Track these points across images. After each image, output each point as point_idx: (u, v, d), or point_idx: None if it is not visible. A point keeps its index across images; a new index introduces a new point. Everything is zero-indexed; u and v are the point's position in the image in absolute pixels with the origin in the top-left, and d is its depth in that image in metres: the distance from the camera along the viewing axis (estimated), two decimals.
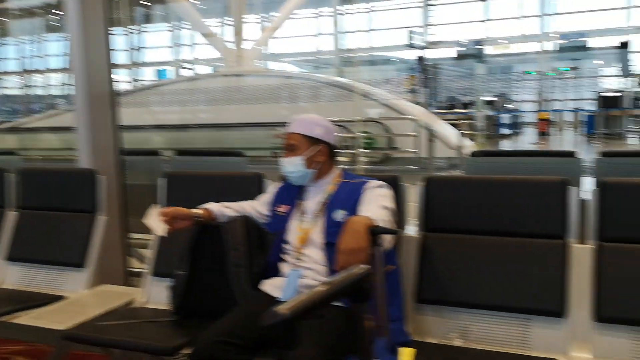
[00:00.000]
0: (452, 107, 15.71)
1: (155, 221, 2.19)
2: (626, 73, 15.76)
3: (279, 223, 2.23)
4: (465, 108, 14.86)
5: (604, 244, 2.10)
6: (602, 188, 2.15)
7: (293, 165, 2.18)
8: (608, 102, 14.66)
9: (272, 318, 0.94)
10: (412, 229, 2.37)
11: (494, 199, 2.26)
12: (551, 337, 2.08)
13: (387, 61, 19.24)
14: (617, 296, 2.03)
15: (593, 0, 17.71)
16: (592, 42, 17.16)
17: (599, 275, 2.06)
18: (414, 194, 2.37)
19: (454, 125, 10.42)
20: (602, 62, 18.29)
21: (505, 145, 14.76)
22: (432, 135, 8.07)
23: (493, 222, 2.24)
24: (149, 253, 2.74)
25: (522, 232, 2.21)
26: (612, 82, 17.53)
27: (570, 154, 3.21)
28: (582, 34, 17.11)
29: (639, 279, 2.02)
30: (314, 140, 2.18)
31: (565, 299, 2.08)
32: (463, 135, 9.56)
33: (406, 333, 2.09)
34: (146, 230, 2.29)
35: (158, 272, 2.66)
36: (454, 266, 2.23)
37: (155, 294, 2.63)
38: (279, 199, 2.29)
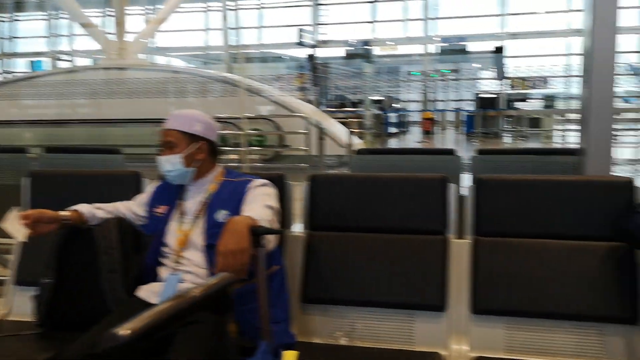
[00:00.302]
0: (342, 105, 16.00)
1: (14, 225, 1.98)
2: (501, 76, 16.85)
3: (156, 224, 2.10)
4: (354, 107, 15.19)
5: (479, 239, 2.17)
6: (478, 184, 2.23)
7: (171, 164, 2.06)
8: (485, 103, 15.61)
9: (111, 341, 0.81)
10: (299, 228, 2.33)
11: (377, 196, 2.27)
12: (433, 331, 2.12)
13: (278, 59, 19.24)
14: (492, 288, 2.10)
15: (472, 6, 18.79)
16: (471, 46, 18.19)
17: (475, 269, 2.13)
18: (301, 192, 2.33)
19: (343, 123, 10.59)
20: (480, 65, 19.43)
21: (393, 143, 15.26)
22: (322, 133, 8.12)
23: (377, 219, 2.25)
24: (11, 259, 2.49)
25: (404, 229, 2.23)
26: (489, 85, 18.68)
27: (450, 152, 3.32)
28: (461, 38, 18.08)
29: (512, 271, 2.10)
30: (193, 137, 2.07)
31: (445, 293, 2.13)
32: (352, 133, 9.73)
33: (291, 334, 2.04)
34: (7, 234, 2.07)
35: (21, 281, 2.42)
36: (339, 264, 2.22)
37: (18, 305, 2.40)
38: (156, 199, 2.16)
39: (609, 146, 2.53)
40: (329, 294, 2.19)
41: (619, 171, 8.54)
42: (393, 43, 19.06)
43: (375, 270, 2.18)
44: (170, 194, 2.13)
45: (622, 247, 2.01)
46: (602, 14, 2.44)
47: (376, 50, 18.68)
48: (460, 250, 2.17)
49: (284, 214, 2.16)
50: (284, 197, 2.20)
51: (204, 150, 2.08)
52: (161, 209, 2.12)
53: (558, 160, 3.07)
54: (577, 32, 15.59)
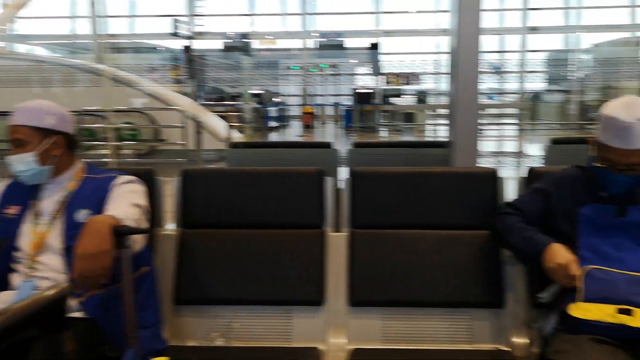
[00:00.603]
0: (221, 99, 15.72)
1: None
2: (376, 72, 17.41)
3: (7, 227, 1.88)
4: (233, 100, 14.98)
5: (356, 231, 2.18)
6: (353, 177, 2.23)
7: (24, 164, 1.85)
8: (362, 98, 16.05)
9: None
10: (172, 226, 2.21)
11: (252, 191, 2.21)
12: (311, 326, 2.10)
13: (152, 50, 18.50)
14: (368, 280, 2.12)
15: (348, 3, 19.24)
16: (348, 42, 18.62)
17: (352, 262, 2.13)
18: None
19: (222, 117, 10.39)
20: (357, 61, 19.97)
21: (274, 137, 15.26)
22: (199, 127, 7.90)
23: (253, 214, 2.19)
24: None
25: (281, 224, 2.19)
26: (366, 80, 19.24)
27: (327, 145, 3.33)
28: (339, 34, 18.44)
29: (387, 262, 2.13)
30: (46, 132, 1.87)
31: (323, 287, 2.11)
32: (232, 127, 9.58)
33: (162, 339, 1.93)
34: None
35: None
36: (214, 263, 2.13)
37: None
38: (6, 199, 1.94)
39: (475, 139, 2.66)
40: (203, 294, 2.10)
41: (485, 163, 9.15)
42: (272, 37, 19.03)
43: (251, 267, 2.12)
44: (22, 193, 1.92)
45: (489, 235, 2.10)
46: (466, 16, 2.55)
47: (255, 44, 18.56)
48: (337, 244, 2.17)
49: (154, 212, 2.03)
50: (153, 194, 2.07)
51: (60, 145, 1.89)
52: (12, 210, 1.90)
53: (430, 152, 3.18)
54: (444, 32, 16.47)
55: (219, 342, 2.04)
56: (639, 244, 1.76)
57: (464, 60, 2.56)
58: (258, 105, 15.00)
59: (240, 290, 2.11)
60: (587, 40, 18.63)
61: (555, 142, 3.46)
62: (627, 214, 1.80)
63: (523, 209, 1.95)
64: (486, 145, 13.33)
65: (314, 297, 2.10)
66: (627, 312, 1.63)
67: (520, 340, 2.01)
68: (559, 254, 1.75)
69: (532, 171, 2.15)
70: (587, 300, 1.67)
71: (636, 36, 18.29)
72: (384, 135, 15.62)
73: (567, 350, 1.65)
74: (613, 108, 1.77)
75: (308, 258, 2.14)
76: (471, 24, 2.54)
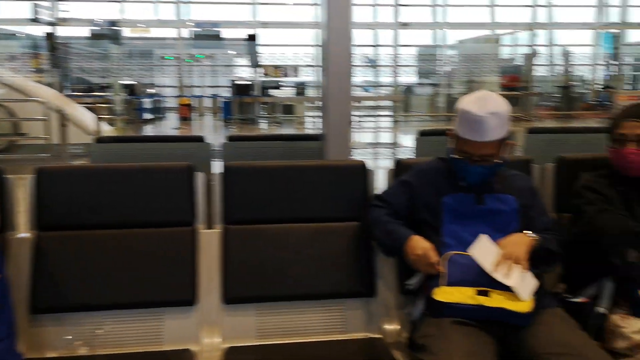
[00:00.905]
0: (90, 90, 14.84)
1: None
2: (255, 64, 17.26)
3: None
4: (103, 91, 14.19)
5: (229, 227, 2.13)
6: (226, 172, 2.18)
7: None
8: (241, 90, 15.86)
9: None
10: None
11: (118, 189, 2.09)
12: (183, 327, 2.03)
13: (11, 36, 17.03)
14: (243, 277, 2.09)
15: None
16: (225, 33, 18.30)
17: (225, 259, 2.09)
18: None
19: (91, 109, 9.80)
20: (235, 52, 19.71)
21: (148, 130, 14.66)
22: (64, 120, 7.39)
23: (118, 213, 2.07)
24: None
25: (150, 222, 2.09)
26: (245, 72, 19.04)
27: (199, 139, 3.23)
28: (215, 24, 18.07)
29: (262, 258, 2.11)
30: None
31: (196, 286, 2.05)
32: (102, 119, 9.07)
33: (17, 353, 1.77)
34: None
35: None
36: (75, 267, 1.99)
37: None
38: None
39: (347, 132, 2.71)
40: (63, 300, 1.95)
41: (362, 155, 9.42)
42: (144, 25, 18.23)
43: (118, 269, 2.01)
44: None
45: (360, 227, 2.14)
46: (336, 9, 2.57)
47: (126, 32, 17.70)
48: (210, 241, 2.11)
49: (3, 215, 1.85)
50: (3, 195, 1.89)
51: None
52: None
53: (305, 145, 3.19)
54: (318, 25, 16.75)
55: (82, 351, 1.91)
56: (494, 229, 1.87)
57: (335, 54, 2.58)
58: (130, 97, 14.33)
59: (106, 294, 1.99)
60: (453, 36, 19.80)
61: (423, 134, 3.62)
62: (484, 202, 1.92)
63: (390, 201, 2.01)
64: (365, 137, 13.76)
65: (185, 297, 2.03)
66: (485, 294, 1.73)
67: (391, 326, 2.08)
68: (418, 245, 1.83)
69: (399, 163, 2.22)
70: (450, 284, 1.76)
71: (496, 34, 19.71)
72: (264, 127, 15.57)
73: (432, 333, 1.73)
74: (467, 102, 1.86)
75: (179, 257, 2.06)
76: (342, 18, 2.56)
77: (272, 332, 2.08)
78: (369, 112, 17.99)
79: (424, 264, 1.81)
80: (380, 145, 11.53)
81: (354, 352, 1.99)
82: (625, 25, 19.33)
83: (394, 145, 11.52)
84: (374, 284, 2.14)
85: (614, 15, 19.34)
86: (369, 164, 2.27)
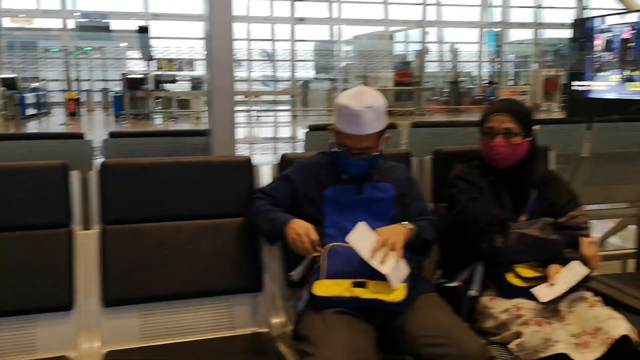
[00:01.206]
0: None
1: None
2: (147, 57, 16.64)
3: None
4: None
5: (108, 227, 2.06)
6: (103, 170, 2.10)
7: None
8: (133, 84, 15.23)
9: None
10: None
11: None
12: (59, 333, 1.94)
13: None
14: (124, 278, 2.02)
15: None
16: (114, 24, 17.53)
17: (104, 260, 2.01)
18: None
19: None
20: (126, 45, 18.94)
21: (32, 127, 13.79)
22: None
23: None
24: None
25: (20, 225, 1.97)
26: (138, 65, 18.32)
27: (79, 136, 3.08)
28: (103, 15, 17.25)
29: (144, 258, 2.05)
30: None
31: (72, 290, 1.96)
32: None
33: None
34: None
35: None
36: None
37: None
38: None
39: (232, 127, 2.68)
40: None
41: (260, 149, 9.39)
42: (25, 15, 17.08)
43: None
44: None
45: (245, 222, 2.14)
46: (217, 3, 2.53)
47: (6, 22, 16.51)
48: (87, 242, 2.02)
49: None
50: None
51: None
52: None
53: (191, 141, 3.12)
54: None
55: None
56: (374, 217, 1.94)
57: (217, 48, 2.54)
58: (10, 91, 13.39)
59: None
60: (349, 32, 20.21)
61: (312, 128, 3.66)
62: (363, 191, 1.98)
63: (273, 194, 2.03)
64: (264, 131, 13.73)
65: (61, 302, 1.94)
66: (362, 285, 1.79)
67: (277, 320, 2.09)
68: (298, 225, 1.87)
69: (284, 157, 2.24)
70: (329, 276, 1.80)
71: (389, 31, 20.33)
72: (159, 122, 15.12)
73: (314, 324, 1.76)
74: (345, 97, 1.91)
75: (53, 260, 1.96)
76: (223, 11, 2.53)
77: (157, 333, 2.03)
78: (269, 106, 17.97)
79: (304, 242, 1.83)
80: (280, 140, 11.57)
81: (240, 348, 1.98)
82: (507, 24, 20.61)
83: (293, 139, 11.60)
84: (261, 279, 2.14)
85: (497, 15, 20.56)
86: (260, 159, 2.26)
